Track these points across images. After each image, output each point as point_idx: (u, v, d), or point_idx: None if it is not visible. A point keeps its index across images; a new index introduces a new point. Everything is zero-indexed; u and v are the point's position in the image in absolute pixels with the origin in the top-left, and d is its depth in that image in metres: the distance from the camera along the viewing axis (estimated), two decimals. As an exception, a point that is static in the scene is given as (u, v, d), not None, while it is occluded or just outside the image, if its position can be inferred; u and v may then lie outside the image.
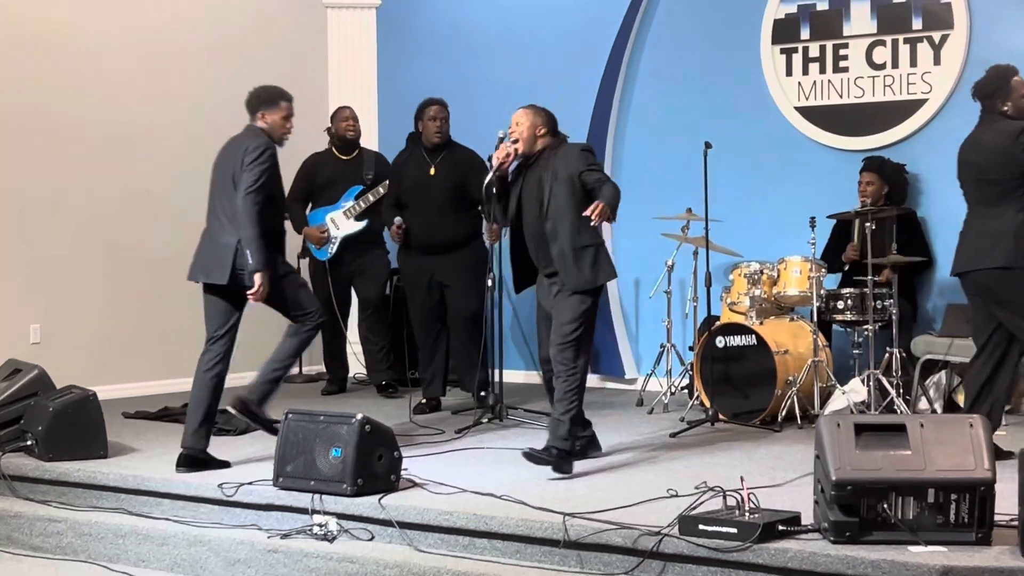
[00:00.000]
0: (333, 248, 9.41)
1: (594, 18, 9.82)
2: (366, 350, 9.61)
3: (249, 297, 6.69)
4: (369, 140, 9.90)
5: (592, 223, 6.44)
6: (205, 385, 6.76)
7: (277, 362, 7.00)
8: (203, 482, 6.32)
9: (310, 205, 9.59)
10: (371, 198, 9.14)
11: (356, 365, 9.93)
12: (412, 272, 8.61)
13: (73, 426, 6.95)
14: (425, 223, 8.48)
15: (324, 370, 10.32)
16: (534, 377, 9.98)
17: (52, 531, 6.44)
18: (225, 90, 10.08)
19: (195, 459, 6.62)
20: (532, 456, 6.33)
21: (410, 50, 10.66)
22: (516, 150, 6.70)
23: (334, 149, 9.58)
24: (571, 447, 6.47)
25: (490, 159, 7.93)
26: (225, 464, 6.69)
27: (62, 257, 9.21)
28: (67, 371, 8.05)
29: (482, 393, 8.35)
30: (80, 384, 7.32)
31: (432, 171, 8.45)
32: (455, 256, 8.40)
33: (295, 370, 10.36)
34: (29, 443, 6.98)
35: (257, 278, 6.62)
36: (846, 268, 8.61)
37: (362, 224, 9.22)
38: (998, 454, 5.55)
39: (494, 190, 6.80)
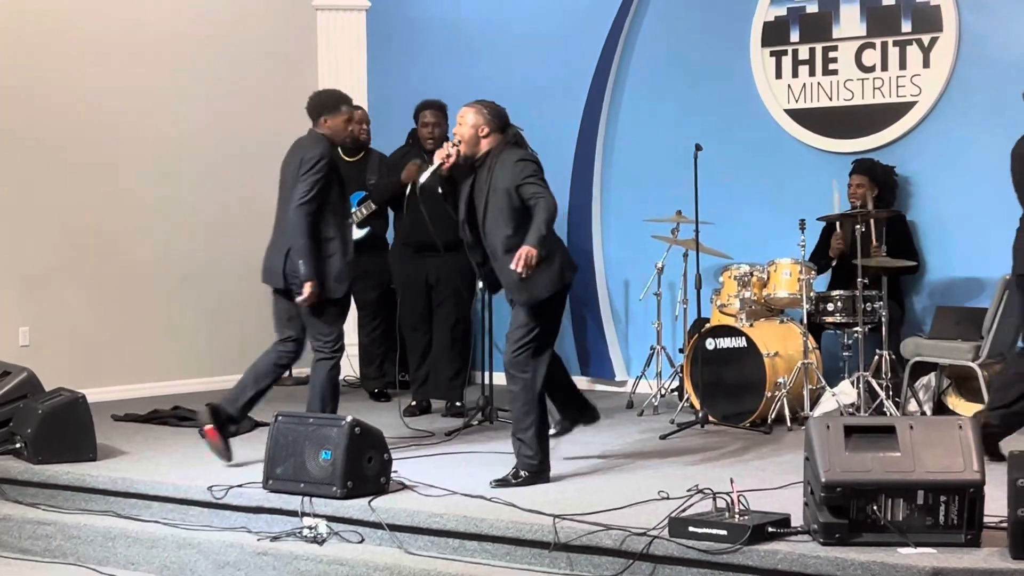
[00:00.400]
0: None
1: (584, 20, 9.82)
2: (363, 356, 9.58)
3: (298, 302, 6.78)
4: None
5: (519, 274, 6.07)
6: (268, 373, 6.95)
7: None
8: (192, 484, 6.31)
9: None
10: (373, 205, 9.08)
11: (346, 368, 9.92)
12: (405, 272, 8.59)
13: (62, 429, 6.93)
14: (422, 223, 8.40)
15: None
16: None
17: (41, 534, 6.43)
18: (214, 93, 10.11)
19: (222, 416, 6.74)
20: (503, 484, 6.11)
21: (400, 52, 10.66)
22: (458, 151, 6.37)
23: (340, 150, 9.46)
24: (540, 461, 6.24)
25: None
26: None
27: (51, 260, 9.19)
28: (56, 373, 8.04)
29: (458, 403, 8.34)
30: (69, 387, 7.30)
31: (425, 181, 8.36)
32: (449, 258, 8.34)
33: (284, 374, 10.35)
34: (18, 446, 6.96)
35: (306, 287, 6.69)
36: (834, 263, 8.60)
37: (364, 231, 9.15)
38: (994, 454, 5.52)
39: (440, 189, 6.54)
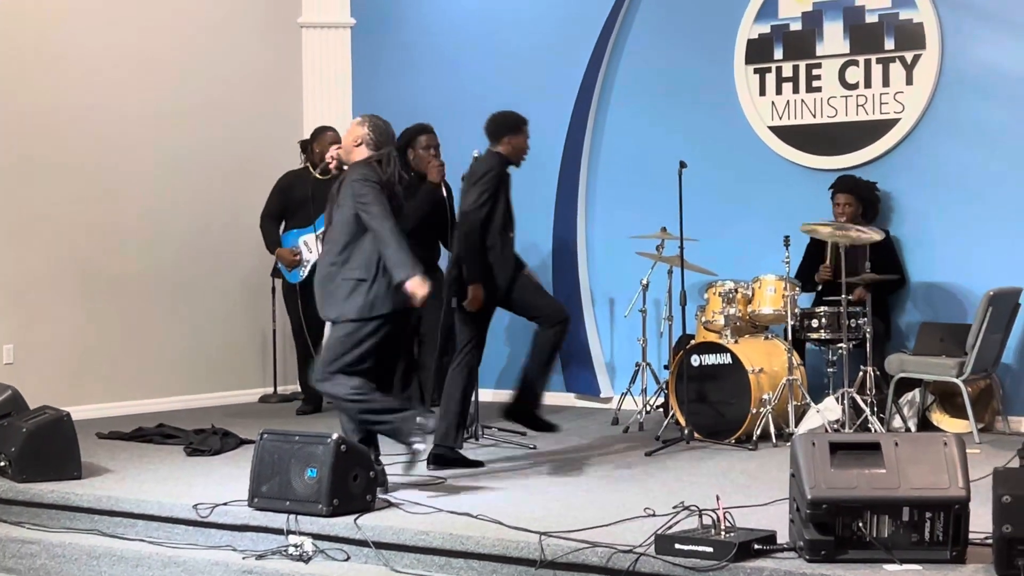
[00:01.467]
0: (305, 271, 9.41)
1: (569, 36, 9.84)
2: None
3: (466, 306, 7.12)
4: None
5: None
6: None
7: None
8: (177, 503, 6.29)
9: (283, 224, 9.59)
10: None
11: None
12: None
13: (47, 447, 6.91)
14: (428, 246, 8.41)
15: (300, 389, 10.31)
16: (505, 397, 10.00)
17: (25, 553, 6.40)
18: (199, 109, 10.10)
19: (445, 457, 7.05)
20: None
21: (385, 69, 10.67)
22: (337, 155, 6.66)
23: (311, 168, 9.51)
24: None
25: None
26: (478, 464, 7.13)
27: (35, 277, 9.17)
28: (41, 391, 8.02)
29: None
30: (54, 404, 7.28)
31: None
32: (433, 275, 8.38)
33: (269, 389, 10.35)
34: (2, 464, 6.92)
35: (469, 290, 7.02)
36: (819, 288, 8.64)
37: None
38: None
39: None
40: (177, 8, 9.99)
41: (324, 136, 9.48)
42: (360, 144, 6.55)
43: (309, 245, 9.33)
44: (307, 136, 9.88)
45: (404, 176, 6.62)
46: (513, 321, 10.13)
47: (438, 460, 7.08)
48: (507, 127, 7.36)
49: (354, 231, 6.41)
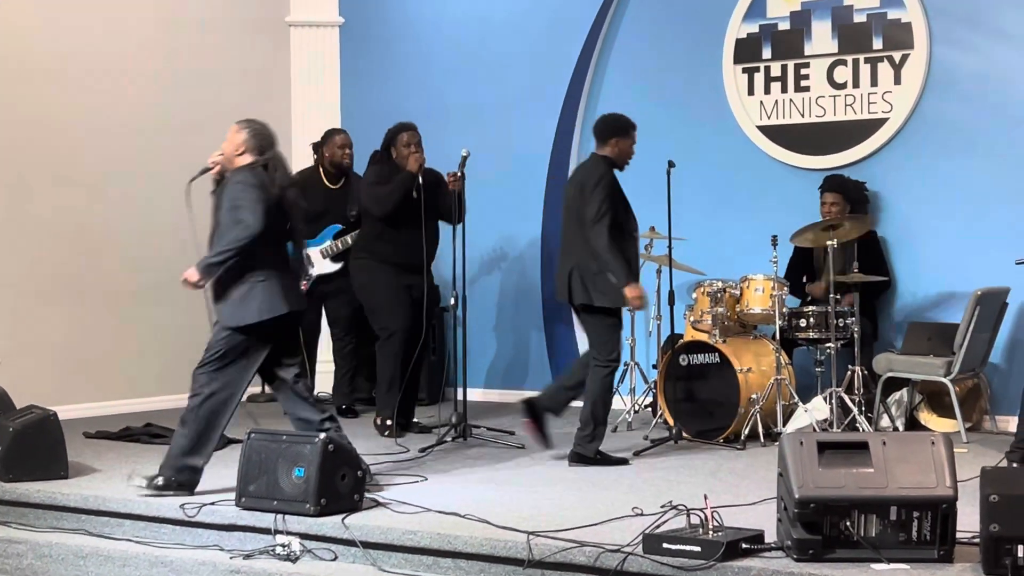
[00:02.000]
0: (305, 286, 9.36)
1: (559, 36, 9.85)
2: (334, 373, 9.58)
3: (630, 306, 7.26)
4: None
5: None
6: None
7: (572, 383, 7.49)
8: (164, 502, 6.27)
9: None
10: (349, 240, 9.02)
11: (321, 383, 9.92)
12: (401, 290, 8.41)
13: (33, 446, 6.89)
14: (410, 243, 8.40)
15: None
16: (495, 396, 10.00)
17: (12, 552, 6.38)
18: (187, 108, 10.08)
19: (583, 457, 7.18)
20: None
21: (373, 68, 10.66)
22: (218, 163, 6.56)
23: (323, 174, 9.41)
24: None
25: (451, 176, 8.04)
26: (623, 461, 7.22)
27: (23, 276, 9.15)
28: (27, 391, 7.99)
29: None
30: (41, 404, 7.26)
31: (415, 194, 8.34)
32: (426, 276, 8.41)
33: (257, 389, 10.33)
34: (-11, 463, 6.92)
35: (627, 292, 7.09)
36: (808, 299, 8.60)
37: (337, 266, 9.14)
38: None
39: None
40: (164, 6, 9.97)
41: (333, 139, 9.33)
42: (242, 152, 6.46)
43: (312, 259, 9.25)
44: (296, 136, 9.85)
45: (296, 178, 6.57)
46: (502, 321, 10.16)
47: (579, 459, 7.20)
48: (616, 130, 7.40)
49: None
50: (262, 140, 6.48)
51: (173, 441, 6.45)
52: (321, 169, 9.38)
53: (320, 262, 9.26)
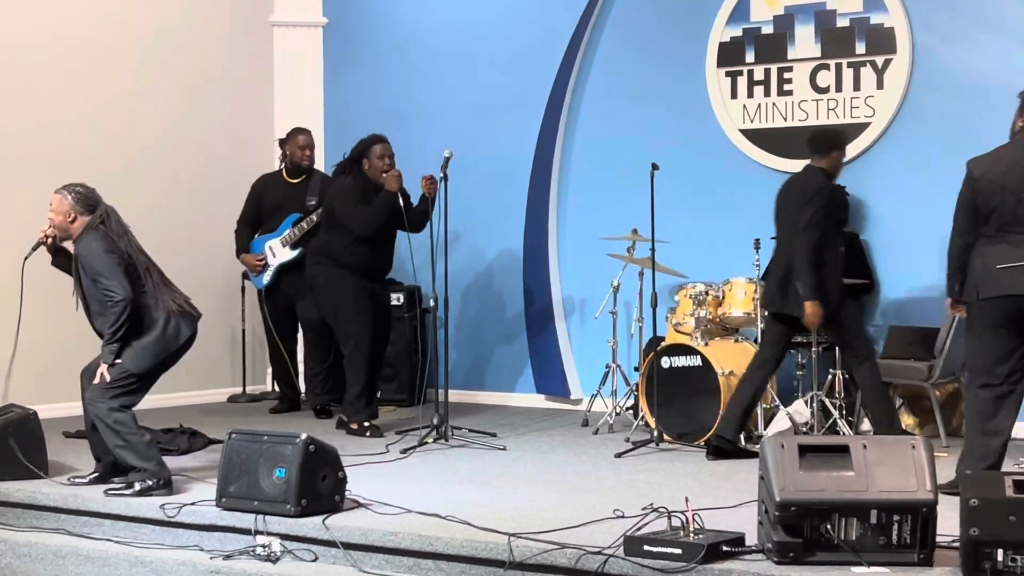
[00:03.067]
0: (268, 277, 9.41)
1: (542, 38, 9.85)
2: (306, 373, 9.60)
3: (806, 323, 7.31)
4: (315, 160, 9.80)
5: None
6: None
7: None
8: (144, 502, 6.26)
9: (260, 230, 9.56)
10: (305, 226, 9.15)
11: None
12: (366, 296, 8.44)
13: (13, 445, 6.86)
14: (384, 253, 8.48)
15: (269, 390, 10.31)
16: (472, 397, 10.00)
17: (-9, 552, 6.37)
18: (170, 108, 10.06)
19: (724, 449, 7.32)
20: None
21: (357, 69, 10.65)
22: (51, 235, 6.75)
23: (284, 172, 9.53)
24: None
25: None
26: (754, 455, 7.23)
27: (1, 276, 9.10)
28: (7, 390, 7.96)
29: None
30: (20, 403, 7.24)
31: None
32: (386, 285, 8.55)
33: (238, 389, 10.32)
34: (-32, 463, 6.89)
35: (806, 307, 7.18)
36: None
37: (296, 252, 9.22)
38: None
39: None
40: (147, 4, 9.94)
41: (296, 139, 9.48)
42: (74, 218, 6.61)
43: (274, 250, 9.34)
44: (280, 134, 9.85)
45: (124, 228, 6.69)
46: (483, 323, 10.15)
47: (718, 452, 7.37)
48: (834, 143, 7.53)
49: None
50: (88, 200, 6.65)
51: None
52: (284, 167, 9.47)
53: (280, 250, 9.32)
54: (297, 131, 9.56)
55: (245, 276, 9.84)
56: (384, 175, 8.29)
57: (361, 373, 8.34)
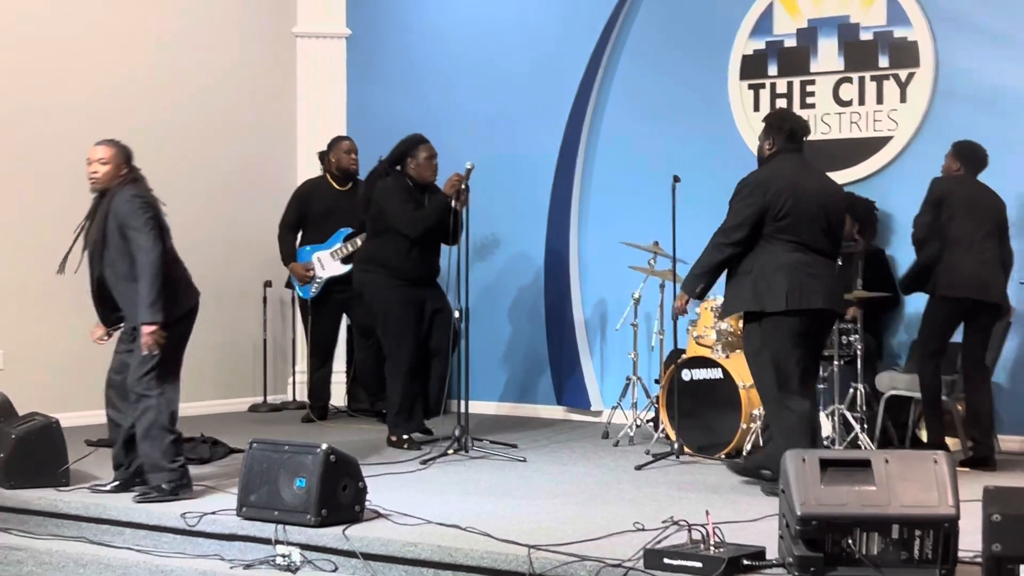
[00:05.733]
0: (316, 289, 9.39)
1: (564, 50, 9.86)
2: (361, 379, 9.57)
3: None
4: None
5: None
6: None
7: None
8: (165, 511, 6.27)
9: (300, 235, 9.54)
10: (359, 242, 9.04)
11: (336, 395, 9.94)
12: (415, 308, 8.38)
13: (35, 453, 6.89)
14: (431, 257, 8.42)
15: (290, 399, 10.33)
16: (503, 409, 10.00)
17: (12, 559, 6.37)
18: (193, 118, 10.09)
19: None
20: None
21: (380, 79, 10.68)
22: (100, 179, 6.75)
23: (330, 178, 9.52)
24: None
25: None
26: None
27: (26, 283, 9.15)
28: (30, 398, 7.99)
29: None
30: (43, 411, 7.26)
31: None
32: (438, 287, 8.42)
33: (259, 399, 10.34)
34: (-10, 470, 6.92)
35: None
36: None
37: (348, 267, 9.16)
38: None
39: None
40: (171, 15, 9.99)
41: (340, 144, 9.51)
42: (124, 170, 6.74)
43: (323, 262, 9.30)
44: (302, 146, 9.88)
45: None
46: (505, 334, 10.15)
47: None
48: (983, 159, 7.78)
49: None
50: (129, 152, 6.81)
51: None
52: (328, 175, 9.49)
53: (331, 263, 9.31)
54: (340, 138, 9.63)
55: (289, 287, 9.80)
56: (446, 182, 8.19)
57: (397, 386, 8.28)
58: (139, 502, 6.43)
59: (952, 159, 7.75)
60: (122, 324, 6.83)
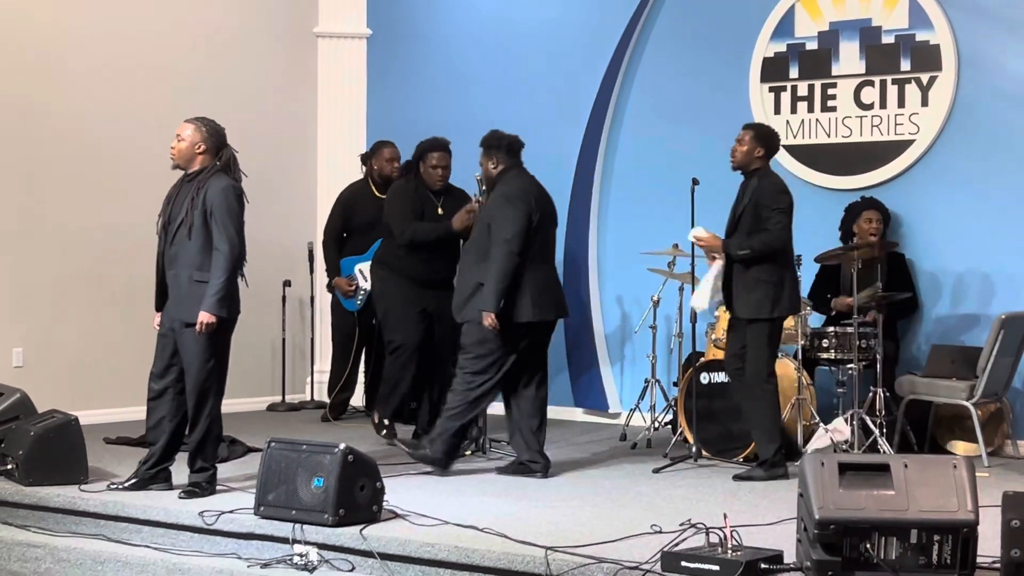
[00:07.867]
0: (360, 301, 9.34)
1: (585, 52, 9.85)
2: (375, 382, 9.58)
3: None
4: (358, 171, 9.79)
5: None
6: None
7: None
8: (183, 509, 6.29)
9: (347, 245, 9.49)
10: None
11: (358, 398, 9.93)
12: (418, 308, 8.42)
13: (54, 451, 6.91)
14: (441, 260, 8.41)
15: (308, 399, 10.34)
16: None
17: (31, 556, 6.40)
18: (215, 118, 10.08)
19: None
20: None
21: (400, 81, 10.68)
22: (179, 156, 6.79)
23: (372, 186, 9.42)
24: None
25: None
26: None
27: (45, 281, 9.18)
28: (49, 395, 8.02)
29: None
30: (62, 408, 7.29)
31: (440, 211, 8.39)
32: (448, 294, 8.43)
33: (277, 398, 10.35)
34: (9, 467, 6.94)
35: None
36: (833, 314, 8.58)
37: None
38: None
39: None
40: (192, 16, 10.01)
41: (381, 151, 9.36)
42: (203, 150, 6.74)
43: (365, 274, 9.23)
44: (322, 146, 9.83)
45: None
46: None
47: None
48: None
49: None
50: (218, 137, 6.84)
51: None
52: (370, 180, 9.40)
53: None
54: (382, 144, 9.46)
55: (331, 290, 9.75)
56: (456, 216, 8.21)
57: (395, 373, 8.39)
58: (183, 498, 6.49)
59: None
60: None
